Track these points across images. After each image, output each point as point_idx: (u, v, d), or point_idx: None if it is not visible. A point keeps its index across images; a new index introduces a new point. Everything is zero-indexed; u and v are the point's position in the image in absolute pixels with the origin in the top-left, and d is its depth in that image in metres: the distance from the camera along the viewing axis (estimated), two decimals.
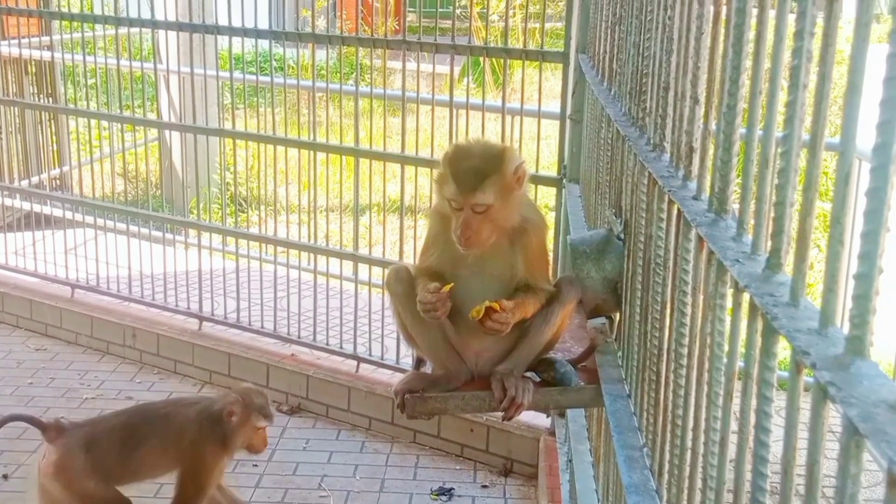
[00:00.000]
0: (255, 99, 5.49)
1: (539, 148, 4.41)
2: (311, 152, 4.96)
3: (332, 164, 5.00)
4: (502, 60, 4.52)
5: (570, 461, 3.36)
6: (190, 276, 5.57)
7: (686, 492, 1.41)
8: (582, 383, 2.38)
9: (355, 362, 4.90)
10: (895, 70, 0.76)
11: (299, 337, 5.14)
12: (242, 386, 3.55)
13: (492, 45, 4.51)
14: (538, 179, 4.29)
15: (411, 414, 2.39)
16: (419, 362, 2.59)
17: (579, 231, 3.06)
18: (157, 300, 5.62)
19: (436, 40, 4.46)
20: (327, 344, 5.02)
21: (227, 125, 5.30)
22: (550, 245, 3.91)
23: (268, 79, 4.97)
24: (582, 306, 2.42)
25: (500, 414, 2.35)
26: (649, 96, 1.85)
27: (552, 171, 4.41)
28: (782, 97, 1.04)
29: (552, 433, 4.22)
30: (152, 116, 6.31)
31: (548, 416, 4.28)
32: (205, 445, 3.33)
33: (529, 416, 4.33)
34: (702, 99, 1.45)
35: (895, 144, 0.77)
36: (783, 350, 1.02)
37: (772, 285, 1.04)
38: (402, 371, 4.40)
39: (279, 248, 5.48)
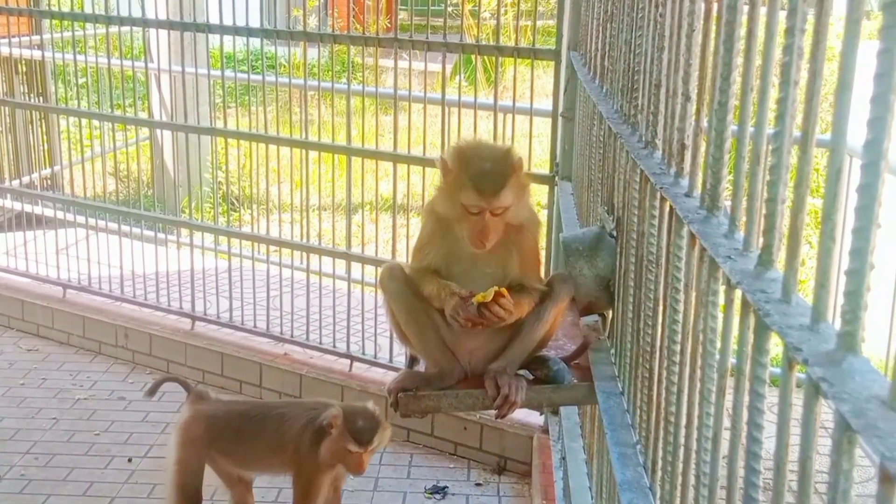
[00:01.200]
0: (247, 98, 5.47)
1: (531, 146, 4.41)
2: (304, 151, 4.95)
3: (324, 162, 4.99)
4: (494, 58, 4.51)
5: (564, 458, 3.36)
6: (182, 275, 5.56)
7: (679, 488, 1.41)
8: (575, 381, 2.38)
9: (348, 361, 4.89)
10: (885, 67, 0.76)
11: (292, 336, 5.13)
12: (361, 404, 3.41)
13: (483, 42, 4.50)
14: (530, 177, 4.29)
15: (405, 412, 2.39)
16: (412, 361, 2.59)
17: (572, 229, 3.06)
18: (149, 300, 5.60)
19: (427, 38, 4.45)
20: (320, 343, 5.01)
21: (219, 124, 5.29)
22: (543, 243, 3.92)
23: (259, 77, 4.97)
24: (575, 304, 2.42)
25: (493, 412, 2.36)
26: (641, 93, 1.85)
27: (544, 169, 4.41)
28: (773, 94, 1.04)
29: (545, 431, 4.23)
30: (143, 115, 6.30)
31: (541, 414, 4.28)
32: (307, 456, 3.32)
33: (523, 414, 4.33)
34: (693, 96, 1.45)
35: (885, 141, 0.77)
36: (775, 346, 1.02)
37: (763, 282, 1.04)
38: (396, 370, 4.40)
39: (271, 247, 5.47)
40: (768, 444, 0.99)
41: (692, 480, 1.33)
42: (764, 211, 1.05)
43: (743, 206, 1.17)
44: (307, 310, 5.02)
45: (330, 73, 4.74)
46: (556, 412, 3.98)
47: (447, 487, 4.23)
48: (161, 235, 6.01)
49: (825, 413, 0.87)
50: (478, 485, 4.27)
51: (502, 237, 2.34)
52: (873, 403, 0.76)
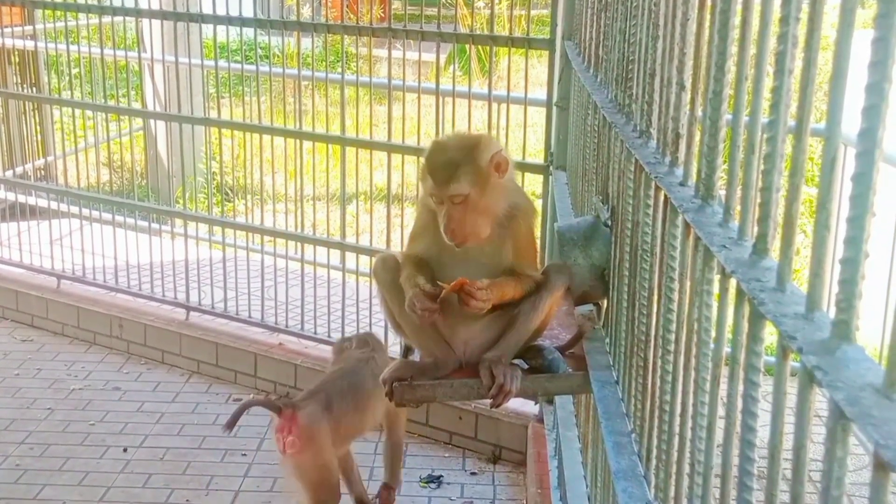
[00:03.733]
0: (241, 88, 5.44)
1: (526, 135, 4.41)
2: (298, 141, 4.95)
3: (318, 152, 4.98)
4: (488, 48, 4.50)
5: (559, 448, 3.37)
6: (176, 265, 5.57)
7: (674, 477, 1.41)
8: (570, 370, 2.38)
9: None
10: (880, 55, 0.76)
11: (287, 326, 5.13)
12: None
13: (478, 32, 4.49)
14: (525, 167, 4.29)
15: (400, 402, 2.39)
16: (407, 350, 2.59)
17: (566, 218, 3.06)
18: (143, 290, 5.60)
19: (421, 28, 4.44)
20: (315, 333, 5.02)
21: (213, 114, 5.27)
22: (538, 232, 3.92)
23: (253, 67, 4.95)
24: (570, 293, 2.42)
25: (488, 401, 2.36)
26: (635, 83, 1.85)
27: (539, 159, 4.41)
28: (768, 83, 1.04)
29: (540, 420, 4.23)
30: (137, 106, 6.27)
31: (536, 404, 4.29)
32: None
33: (518, 404, 4.34)
34: (688, 85, 1.45)
35: (880, 129, 0.77)
36: (770, 335, 1.02)
37: (758, 270, 1.04)
38: (391, 359, 4.39)
39: (266, 238, 5.47)
40: (762, 433, 0.99)
41: (687, 469, 1.34)
42: (759, 200, 1.05)
43: (738, 195, 1.17)
44: (301, 300, 5.02)
45: (324, 62, 4.72)
46: (550, 401, 3.99)
47: (442, 476, 4.24)
48: (155, 226, 6.00)
49: (819, 401, 0.87)
50: (473, 474, 4.29)
51: (494, 225, 2.33)
52: (867, 391, 0.77)
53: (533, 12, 4.81)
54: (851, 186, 0.80)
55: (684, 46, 1.47)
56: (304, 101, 4.93)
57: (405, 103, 4.61)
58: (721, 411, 1.18)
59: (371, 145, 4.74)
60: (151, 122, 6.80)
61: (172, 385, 5.09)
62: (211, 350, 5.17)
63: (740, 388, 1.07)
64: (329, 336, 4.96)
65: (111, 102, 5.81)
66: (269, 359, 4.99)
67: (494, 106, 4.35)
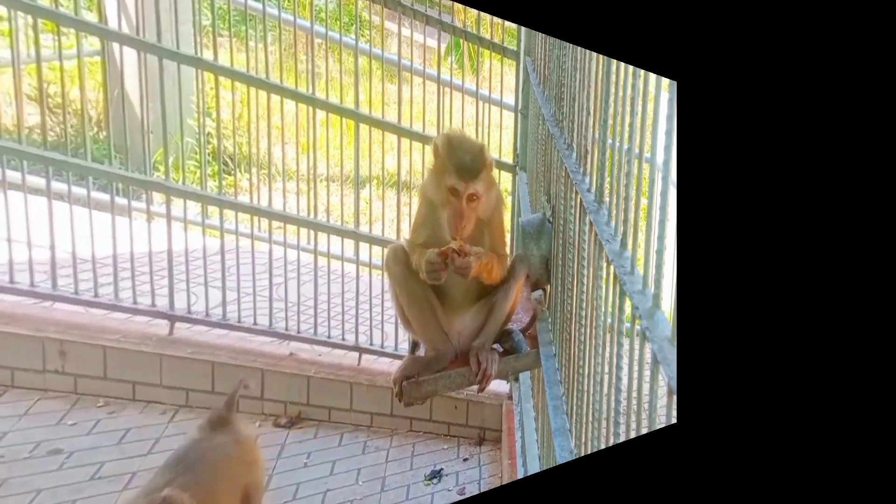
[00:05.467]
0: (244, 28, 4.30)
1: (502, 135, 4.63)
2: (310, 108, 4.27)
3: (332, 126, 4.41)
4: (476, 47, 4.73)
5: (522, 419, 3.70)
6: (155, 259, 4.24)
7: (584, 426, 1.77)
8: (528, 349, 2.71)
9: (357, 354, 4.59)
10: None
11: (298, 332, 4.48)
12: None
13: (469, 29, 4.65)
14: (499, 165, 4.56)
15: (408, 401, 2.61)
16: (414, 346, 2.83)
17: (528, 214, 3.42)
18: (102, 297, 4.12)
19: (426, 11, 4.51)
20: (329, 336, 4.56)
21: (207, 54, 4.18)
22: (508, 226, 4.21)
23: (259, 6, 4.25)
24: (528, 280, 2.75)
25: (475, 387, 2.63)
26: (566, 102, 2.21)
27: (509, 159, 4.66)
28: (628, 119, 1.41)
29: (510, 397, 4.51)
30: (91, 18, 4.48)
31: (507, 382, 4.54)
32: None
33: (495, 385, 4.26)
34: (592, 110, 1.80)
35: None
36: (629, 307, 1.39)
37: (623, 259, 1.41)
38: (401, 357, 4.17)
39: (274, 223, 4.45)
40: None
41: (590, 416, 1.69)
42: (623, 206, 1.42)
43: (614, 201, 1.53)
44: (315, 299, 4.37)
45: (338, 22, 4.28)
46: (517, 378, 4.23)
47: (442, 469, 4.32)
48: (121, 201, 4.37)
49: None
50: (465, 460, 4.42)
51: (476, 223, 2.63)
52: (666, 343, 1.13)
53: (507, 23, 4.97)
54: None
55: (590, 78, 1.82)
56: (317, 63, 4.26)
57: (413, 85, 4.52)
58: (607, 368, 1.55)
59: (382, 125, 4.42)
60: (115, 45, 4.19)
61: (149, 430, 3.84)
62: (205, 372, 4.18)
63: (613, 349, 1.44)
64: (343, 338, 4.54)
65: (44, 2, 3.92)
66: (279, 374, 4.32)
67: (481, 104, 4.55)
